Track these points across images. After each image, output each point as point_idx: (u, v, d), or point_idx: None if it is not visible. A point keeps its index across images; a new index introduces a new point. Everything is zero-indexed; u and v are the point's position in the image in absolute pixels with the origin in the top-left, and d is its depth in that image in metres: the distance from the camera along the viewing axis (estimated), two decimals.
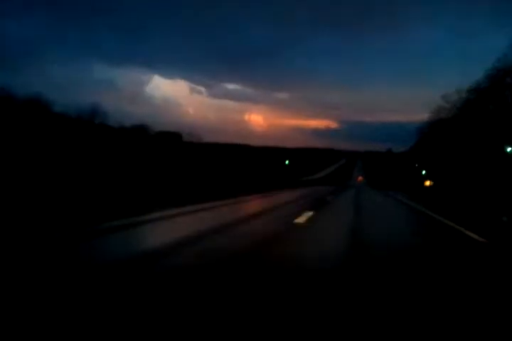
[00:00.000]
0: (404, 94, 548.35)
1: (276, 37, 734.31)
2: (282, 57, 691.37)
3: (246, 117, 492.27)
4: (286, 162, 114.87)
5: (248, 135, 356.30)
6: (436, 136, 41.43)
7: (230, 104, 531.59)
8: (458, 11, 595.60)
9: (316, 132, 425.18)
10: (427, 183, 48.52)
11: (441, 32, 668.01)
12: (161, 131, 49.39)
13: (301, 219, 10.44)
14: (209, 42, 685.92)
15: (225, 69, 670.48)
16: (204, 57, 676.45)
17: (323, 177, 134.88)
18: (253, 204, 17.29)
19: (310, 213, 12.13)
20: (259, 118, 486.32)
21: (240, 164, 71.11)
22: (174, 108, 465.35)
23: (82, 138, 33.97)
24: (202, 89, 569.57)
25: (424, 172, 52.17)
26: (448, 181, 38.03)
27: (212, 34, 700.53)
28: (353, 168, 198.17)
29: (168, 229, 8.57)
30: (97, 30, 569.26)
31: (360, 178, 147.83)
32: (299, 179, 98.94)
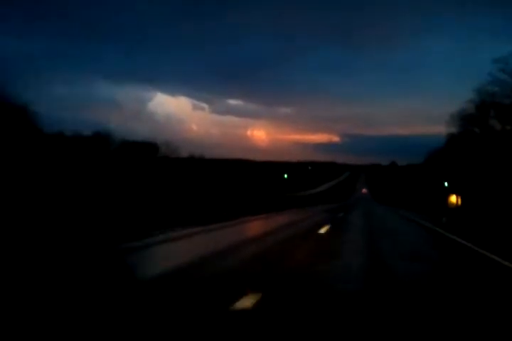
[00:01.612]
0: (405, 107, 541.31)
1: (276, 51, 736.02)
2: (283, 71, 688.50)
3: (248, 132, 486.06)
4: (285, 176, 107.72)
5: (250, 150, 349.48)
6: (479, 127, 30.60)
7: (232, 119, 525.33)
8: (461, 22, 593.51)
9: (319, 146, 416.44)
10: (453, 199, 37.15)
11: (444, 44, 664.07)
12: (127, 140, 40.59)
13: None
14: (209, 58, 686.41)
15: (227, 85, 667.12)
16: (205, 73, 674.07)
17: (324, 190, 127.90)
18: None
19: None
20: (262, 133, 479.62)
21: (236, 181, 63.16)
22: (177, 125, 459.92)
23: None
24: (204, 105, 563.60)
25: (446, 184, 41.92)
26: (486, 196, 28.18)
27: (213, 50, 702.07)
28: (356, 181, 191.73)
29: None
30: (99, 49, 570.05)
31: (364, 190, 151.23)
32: (300, 193, 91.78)
